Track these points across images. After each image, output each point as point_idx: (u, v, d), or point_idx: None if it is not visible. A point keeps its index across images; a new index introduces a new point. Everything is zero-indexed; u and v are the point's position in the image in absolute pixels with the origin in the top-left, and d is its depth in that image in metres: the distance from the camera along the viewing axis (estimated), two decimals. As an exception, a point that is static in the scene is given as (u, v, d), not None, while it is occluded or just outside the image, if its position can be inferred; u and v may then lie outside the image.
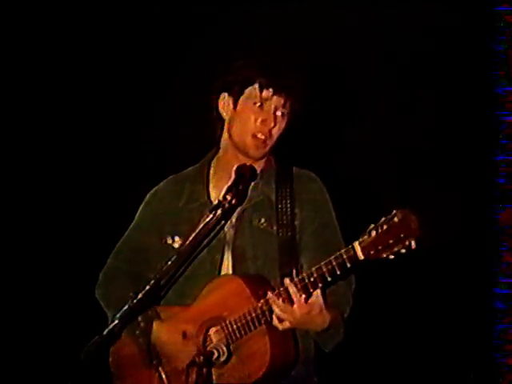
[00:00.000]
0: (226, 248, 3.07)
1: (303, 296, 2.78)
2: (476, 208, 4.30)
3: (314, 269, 2.77)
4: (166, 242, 3.12)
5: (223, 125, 3.11)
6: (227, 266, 3.06)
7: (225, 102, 3.07)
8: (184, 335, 2.97)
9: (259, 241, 3.04)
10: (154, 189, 3.24)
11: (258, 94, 2.99)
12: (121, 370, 3.14)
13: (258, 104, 2.99)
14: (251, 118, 3.00)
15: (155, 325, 3.03)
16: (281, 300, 2.80)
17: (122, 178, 4.64)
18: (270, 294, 2.83)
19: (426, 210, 2.66)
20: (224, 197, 2.84)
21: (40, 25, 4.57)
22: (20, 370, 4.53)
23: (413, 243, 2.63)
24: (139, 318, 3.01)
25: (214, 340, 2.93)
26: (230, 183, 2.92)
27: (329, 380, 3.16)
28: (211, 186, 3.15)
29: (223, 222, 2.97)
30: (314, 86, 3.14)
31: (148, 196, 3.24)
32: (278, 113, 3.01)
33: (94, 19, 4.58)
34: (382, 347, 4.40)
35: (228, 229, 3.05)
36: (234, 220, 3.04)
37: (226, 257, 3.07)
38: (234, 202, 2.86)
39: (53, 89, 4.64)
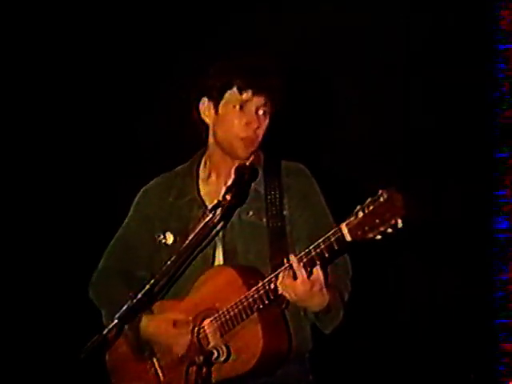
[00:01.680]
0: (217, 243, 3.06)
1: (305, 272, 2.78)
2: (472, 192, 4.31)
3: (302, 253, 2.78)
4: (157, 239, 3.12)
5: (207, 128, 3.11)
6: (219, 261, 3.06)
7: (205, 107, 3.06)
8: (174, 324, 2.97)
9: (249, 234, 3.04)
10: (144, 188, 3.25)
11: (238, 96, 2.98)
12: (116, 367, 3.15)
13: (239, 107, 2.99)
14: (234, 121, 2.99)
15: (145, 318, 3.03)
16: (284, 275, 2.81)
17: (117, 176, 4.64)
18: (263, 283, 2.83)
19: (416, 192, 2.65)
20: (224, 197, 2.84)
21: (32, 21, 4.56)
22: (20, 370, 4.52)
23: (399, 222, 2.61)
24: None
25: (208, 331, 2.93)
26: (229, 183, 2.92)
27: (324, 378, 3.15)
28: (201, 181, 3.14)
29: (223, 222, 2.97)
30: (295, 83, 3.14)
31: (138, 195, 3.25)
32: (260, 112, 3.00)
33: (91, 16, 4.58)
34: (381, 346, 4.40)
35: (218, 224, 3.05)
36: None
37: (217, 252, 3.07)
38: (234, 201, 2.86)
39: (44, 84, 4.64)
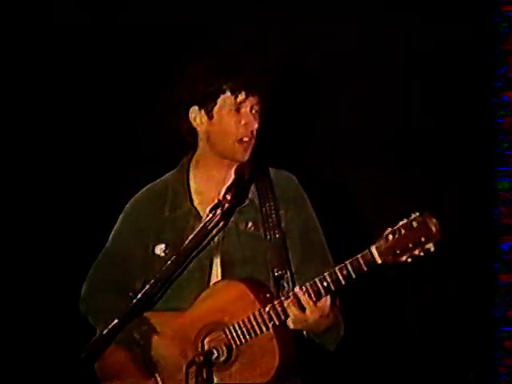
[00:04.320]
0: (214, 254, 3.03)
1: (313, 301, 2.79)
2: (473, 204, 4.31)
3: (326, 274, 2.77)
4: (152, 251, 3.07)
5: (196, 136, 3.07)
6: (216, 272, 3.03)
7: (196, 115, 3.02)
8: (183, 354, 2.94)
9: (247, 245, 3.02)
10: (133, 199, 3.19)
11: (232, 100, 2.96)
12: (109, 375, 3.08)
13: (235, 109, 2.97)
14: (232, 124, 2.97)
15: (155, 337, 2.99)
16: (293, 306, 2.80)
17: (117, 176, 4.63)
18: (280, 301, 2.83)
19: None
20: (224, 196, 2.85)
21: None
22: (20, 370, 4.52)
23: (431, 247, 2.65)
24: (134, 332, 2.97)
25: (213, 344, 2.89)
26: (229, 183, 2.92)
27: (313, 380, 3.15)
28: (193, 191, 3.11)
29: (223, 222, 2.96)
30: (292, 84, 3.13)
31: (127, 207, 3.19)
32: (254, 111, 2.99)
33: (91, 16, 4.58)
34: (380, 346, 4.40)
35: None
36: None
37: (214, 263, 3.03)
38: (234, 201, 2.86)
39: (44, 84, 4.62)
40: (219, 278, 3.02)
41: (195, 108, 3.01)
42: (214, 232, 2.97)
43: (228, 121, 2.98)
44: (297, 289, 2.81)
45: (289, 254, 3.03)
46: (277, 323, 2.84)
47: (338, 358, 3.15)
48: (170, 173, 3.20)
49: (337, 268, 2.76)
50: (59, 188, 4.63)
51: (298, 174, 3.18)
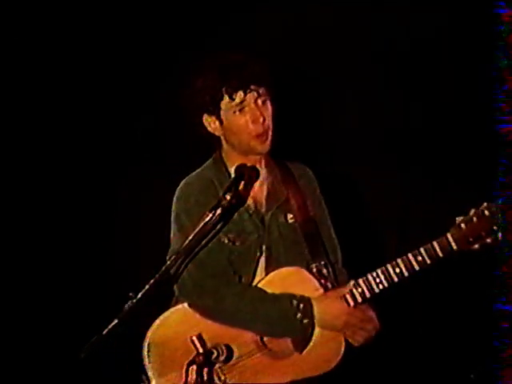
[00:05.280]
0: (260, 250, 3.08)
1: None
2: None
3: (399, 259, 2.92)
4: (224, 242, 3.06)
5: (218, 138, 3.12)
6: (261, 267, 3.08)
7: (209, 122, 3.07)
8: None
9: (288, 237, 3.09)
10: (185, 196, 3.12)
11: (232, 103, 2.99)
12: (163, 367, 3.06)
13: (238, 110, 3.00)
14: (241, 125, 3.01)
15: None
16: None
17: (117, 176, 4.63)
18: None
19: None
20: (224, 196, 2.85)
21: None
22: (19, 369, 4.52)
23: (500, 235, 2.83)
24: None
25: None
26: (229, 182, 2.93)
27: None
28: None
29: (223, 222, 2.97)
30: (295, 83, 3.14)
31: (186, 204, 3.11)
32: (259, 103, 3.01)
33: (91, 16, 4.58)
34: (380, 346, 4.40)
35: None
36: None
37: (262, 256, 3.08)
38: (233, 201, 2.86)
39: (44, 84, 4.62)
40: (263, 272, 3.07)
41: (206, 116, 3.07)
42: (214, 232, 2.97)
43: (236, 123, 3.02)
44: (368, 274, 2.96)
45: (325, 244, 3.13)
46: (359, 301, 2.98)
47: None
48: (203, 167, 3.19)
49: (410, 254, 2.90)
50: (59, 188, 4.64)
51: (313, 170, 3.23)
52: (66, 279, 4.58)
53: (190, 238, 2.82)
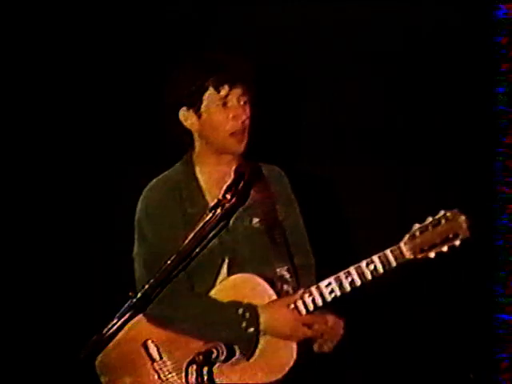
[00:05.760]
0: (223, 253, 3.06)
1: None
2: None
3: (352, 268, 2.87)
4: None
5: (191, 135, 3.10)
6: (223, 270, 3.06)
7: (187, 115, 3.05)
8: None
9: (252, 241, 3.06)
10: (147, 198, 3.14)
11: (217, 95, 2.99)
12: (111, 370, 3.09)
13: (221, 104, 2.99)
14: (221, 120, 3.00)
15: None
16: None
17: (117, 176, 4.63)
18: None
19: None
20: (224, 196, 2.85)
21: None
22: (19, 369, 4.52)
23: (457, 243, 2.77)
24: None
25: None
26: (229, 182, 2.92)
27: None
28: (203, 187, 3.13)
29: (223, 222, 2.97)
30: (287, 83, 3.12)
31: (147, 208, 3.14)
32: (241, 102, 3.01)
33: (91, 16, 4.58)
34: (380, 345, 4.40)
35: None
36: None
37: (225, 259, 3.06)
38: (233, 201, 2.86)
39: (44, 84, 4.63)
40: (225, 275, 3.05)
41: (184, 109, 3.05)
42: (214, 232, 2.97)
43: (217, 117, 3.01)
44: (320, 283, 2.92)
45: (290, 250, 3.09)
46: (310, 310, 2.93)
47: (340, 358, 3.15)
48: (173, 168, 3.21)
49: (363, 262, 2.86)
50: (59, 187, 4.64)
51: (292, 172, 3.22)
52: (66, 279, 4.58)
53: (190, 237, 2.82)
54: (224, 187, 2.91)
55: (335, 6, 4.40)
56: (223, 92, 2.99)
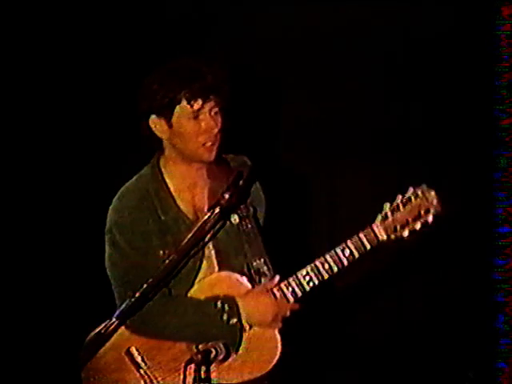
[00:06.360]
0: (202, 258, 3.05)
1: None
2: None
3: (327, 255, 2.86)
4: (160, 255, 3.01)
5: (160, 142, 3.06)
6: (205, 268, 3.05)
7: (156, 123, 3.00)
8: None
9: (227, 235, 3.04)
10: (118, 210, 3.09)
11: (189, 109, 2.94)
12: (95, 377, 3.06)
13: (193, 117, 2.96)
14: (192, 132, 2.96)
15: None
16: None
17: (116, 176, 4.63)
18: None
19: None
20: (222, 195, 2.85)
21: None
22: (19, 369, 4.52)
23: (430, 218, 2.75)
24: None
25: None
26: (229, 182, 2.93)
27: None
28: (174, 193, 3.08)
29: (222, 221, 2.97)
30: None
31: (118, 218, 3.09)
32: (213, 113, 2.97)
33: (91, 16, 4.59)
34: (380, 345, 4.40)
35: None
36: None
37: (205, 255, 3.05)
38: (233, 200, 2.87)
39: (43, 84, 4.63)
40: (207, 274, 3.04)
41: (154, 117, 3.00)
42: (213, 232, 2.97)
43: (188, 129, 2.97)
44: (298, 272, 2.90)
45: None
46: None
47: (335, 353, 3.16)
48: (140, 175, 3.15)
49: (338, 248, 2.84)
50: (59, 187, 4.64)
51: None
52: (65, 278, 4.58)
53: (188, 237, 2.83)
54: (224, 187, 2.92)
55: (335, 6, 4.39)
56: (196, 106, 2.94)
